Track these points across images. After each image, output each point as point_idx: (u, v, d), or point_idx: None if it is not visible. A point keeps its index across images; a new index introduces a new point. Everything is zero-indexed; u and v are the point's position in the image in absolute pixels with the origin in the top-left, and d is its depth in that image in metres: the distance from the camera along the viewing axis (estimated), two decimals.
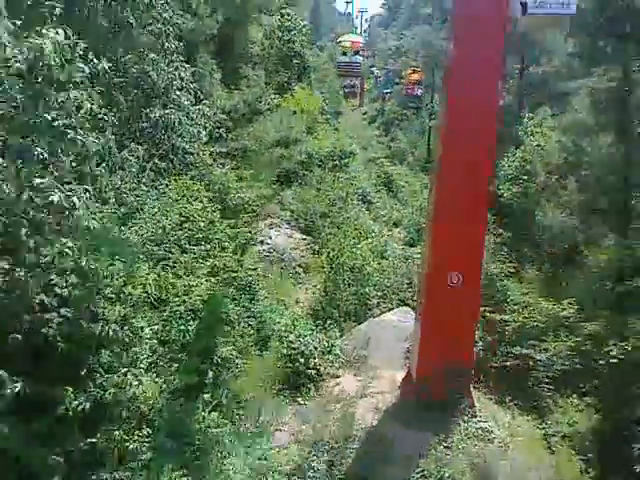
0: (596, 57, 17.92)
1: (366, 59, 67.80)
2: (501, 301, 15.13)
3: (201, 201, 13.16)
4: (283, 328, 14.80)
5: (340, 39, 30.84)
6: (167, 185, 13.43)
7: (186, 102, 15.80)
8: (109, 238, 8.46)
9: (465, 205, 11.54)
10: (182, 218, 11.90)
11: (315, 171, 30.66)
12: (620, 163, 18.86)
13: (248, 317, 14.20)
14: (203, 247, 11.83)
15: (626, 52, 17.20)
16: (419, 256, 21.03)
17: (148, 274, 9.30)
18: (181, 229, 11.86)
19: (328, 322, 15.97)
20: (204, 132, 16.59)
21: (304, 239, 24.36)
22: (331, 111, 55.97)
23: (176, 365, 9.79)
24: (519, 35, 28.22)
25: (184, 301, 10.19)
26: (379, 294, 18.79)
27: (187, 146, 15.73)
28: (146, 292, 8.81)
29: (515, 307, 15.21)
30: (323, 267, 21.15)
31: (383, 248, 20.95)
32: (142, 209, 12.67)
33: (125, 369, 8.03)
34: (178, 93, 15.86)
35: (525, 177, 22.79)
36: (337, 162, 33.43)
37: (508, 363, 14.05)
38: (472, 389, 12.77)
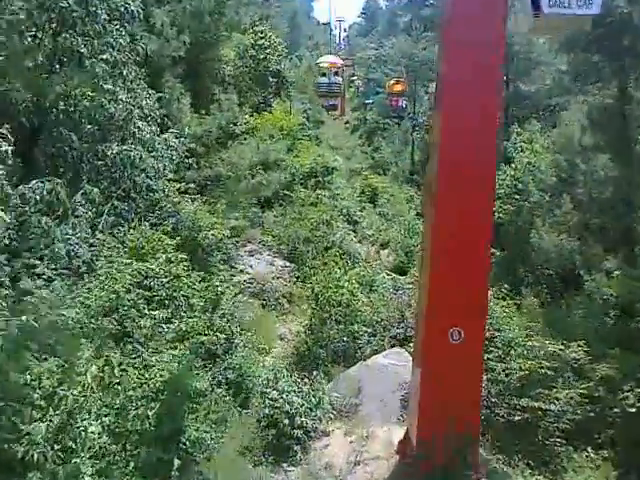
0: (590, 73, 16.44)
1: (346, 68, 66.41)
2: (504, 344, 13.54)
3: (165, 251, 11.42)
4: (265, 382, 13.15)
5: (319, 60, 29.40)
6: (126, 233, 11.65)
7: (147, 135, 14.03)
8: (42, 326, 6.71)
9: (466, 248, 9.85)
10: (141, 276, 10.16)
11: (297, 190, 29.09)
12: (620, 183, 17.48)
13: (224, 369, 12.50)
14: (166, 310, 10.09)
15: (622, 68, 15.81)
16: (410, 286, 19.45)
17: (95, 358, 7.55)
18: (141, 287, 10.12)
19: (314, 372, 14.31)
20: (170, 166, 14.85)
21: (287, 266, 22.72)
22: (313, 122, 54.51)
23: (132, 465, 8.04)
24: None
25: (142, 383, 8.44)
26: (369, 331, 17.13)
27: (151, 182, 13.98)
28: (91, 385, 7.06)
29: (519, 350, 13.61)
30: (308, 297, 19.56)
31: (371, 278, 19.29)
32: (95, 265, 10.91)
33: None
34: (140, 124, 14.09)
35: (517, 196, 21.37)
36: (320, 179, 31.86)
37: (516, 417, 12.45)
38: (479, 452, 11.15)
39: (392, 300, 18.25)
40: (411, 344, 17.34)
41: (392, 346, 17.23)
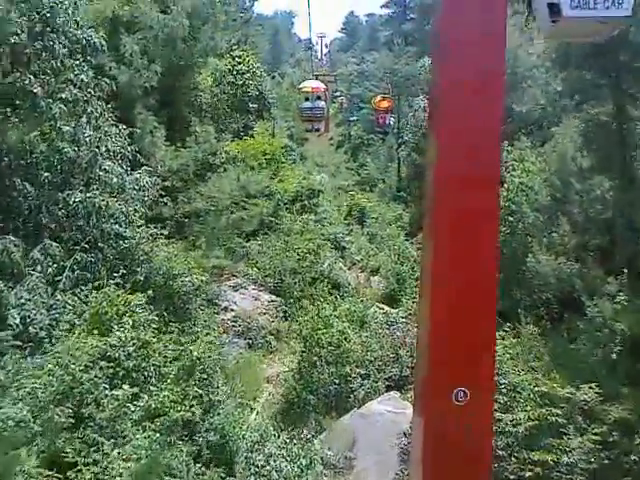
0: (585, 91, 15.37)
1: (329, 84, 65.47)
2: (509, 390, 12.37)
3: (132, 313, 10.13)
4: (250, 445, 11.87)
5: (301, 85, 28.45)
6: (89, 294, 10.35)
7: (115, 179, 12.76)
8: None
9: (468, 294, 8.57)
10: (103, 346, 8.89)
11: (283, 216, 27.89)
12: (621, 206, 16.44)
13: (206, 431, 11.18)
14: (133, 384, 8.82)
15: (618, 86, 14.78)
16: (403, 320, 18.27)
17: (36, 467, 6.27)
18: (104, 358, 8.84)
19: (304, 431, 13.08)
20: (142, 209, 13.60)
21: (273, 301, 21.44)
22: (297, 139, 53.52)
23: None
24: None
25: None
26: (362, 372, 15.91)
27: (121, 229, 12.72)
28: None
29: (525, 394, 12.44)
30: (297, 335, 18.34)
31: (362, 313, 18.06)
32: (54, 330, 9.64)
33: None
34: (107, 165, 12.86)
35: (511, 217, 20.24)
36: (305, 202, 30.73)
37: (527, 473, 11.25)
38: None
39: (385, 337, 17.06)
40: (408, 386, 16.25)
41: (387, 388, 16.05)
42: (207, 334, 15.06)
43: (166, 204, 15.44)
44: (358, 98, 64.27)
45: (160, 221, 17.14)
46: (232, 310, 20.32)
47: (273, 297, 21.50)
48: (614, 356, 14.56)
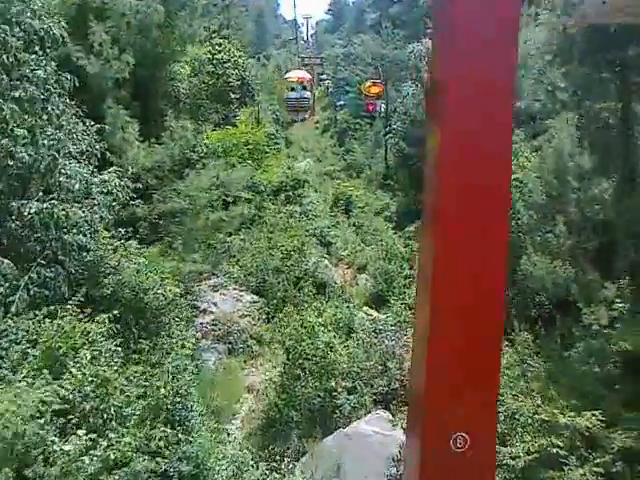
0: (589, 87, 14.19)
1: (315, 67, 63.86)
2: (507, 417, 11.39)
3: (92, 342, 8.94)
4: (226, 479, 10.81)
5: (287, 75, 27.44)
6: (42, 321, 9.09)
7: (77, 185, 11.43)
8: None
9: (473, 317, 7.43)
10: (55, 389, 7.71)
11: (266, 209, 26.71)
12: (622, 205, 15.41)
13: (178, 460, 10.08)
14: (90, 430, 7.66)
15: (624, 82, 13.63)
16: (392, 327, 17.19)
17: None
18: (53, 402, 7.65)
19: (286, 460, 12.04)
20: (109, 216, 12.31)
21: (255, 302, 20.31)
22: (282, 123, 52.16)
23: None
24: None
25: None
26: (348, 385, 14.87)
27: (85, 239, 11.44)
28: None
29: (522, 420, 11.46)
30: (280, 339, 17.29)
31: (349, 319, 16.96)
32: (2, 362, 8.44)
33: None
34: (70, 168, 11.53)
35: None
36: (290, 193, 29.56)
37: None
38: None
39: (373, 346, 15.99)
40: (396, 401, 15.25)
41: (374, 403, 15.05)
42: (182, 346, 14.00)
43: (138, 206, 14.10)
44: (344, 82, 62.56)
45: (133, 222, 15.87)
46: (211, 313, 19.21)
47: (255, 297, 20.39)
48: (613, 372, 13.66)
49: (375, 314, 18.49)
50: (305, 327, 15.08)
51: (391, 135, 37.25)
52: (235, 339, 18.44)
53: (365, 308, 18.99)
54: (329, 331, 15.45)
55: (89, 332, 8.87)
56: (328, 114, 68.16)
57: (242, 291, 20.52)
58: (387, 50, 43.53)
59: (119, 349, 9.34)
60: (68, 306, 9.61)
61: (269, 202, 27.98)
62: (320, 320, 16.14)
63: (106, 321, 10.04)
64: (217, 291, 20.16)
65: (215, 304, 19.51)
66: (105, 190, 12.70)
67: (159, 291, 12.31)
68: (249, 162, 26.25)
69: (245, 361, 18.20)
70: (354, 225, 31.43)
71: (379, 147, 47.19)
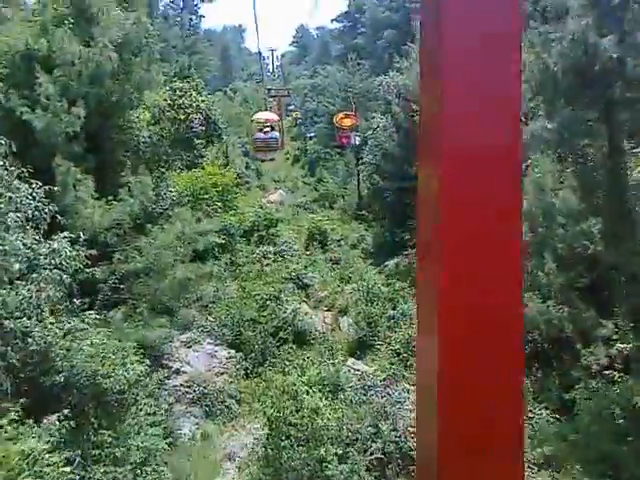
0: (575, 128, 13.18)
1: (282, 98, 63.11)
2: None
3: (35, 461, 7.38)
4: None
5: (254, 117, 26.81)
6: None
7: (17, 265, 9.92)
8: None
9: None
10: None
11: (238, 251, 25.33)
12: (616, 252, 14.42)
13: None
14: None
15: (608, 122, 12.65)
16: (380, 382, 15.80)
17: None
18: None
19: None
20: (58, 294, 10.78)
21: (232, 357, 18.78)
22: (252, 157, 51.04)
23: None
24: None
25: None
26: (339, 452, 13.37)
27: (29, 324, 9.90)
28: None
29: None
30: (259, 400, 15.79)
31: (335, 375, 15.49)
32: None
33: None
34: (8, 243, 10.02)
35: None
36: (263, 233, 28.25)
37: None
38: None
39: (363, 405, 14.55)
40: (392, 467, 13.85)
41: (368, 470, 13.57)
42: (152, 424, 12.47)
43: (93, 275, 12.59)
44: (313, 112, 61.95)
45: (93, 285, 14.35)
46: (185, 373, 17.62)
47: (232, 352, 18.85)
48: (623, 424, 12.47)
49: (362, 367, 17.06)
50: (287, 392, 13.61)
51: (364, 167, 36.21)
52: (212, 400, 16.87)
53: (351, 360, 17.55)
54: (314, 392, 13.97)
55: (31, 453, 7.27)
56: (298, 144, 67.40)
57: (217, 345, 18.98)
58: (354, 82, 42.77)
59: (67, 470, 7.72)
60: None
61: (242, 243, 26.67)
62: (304, 379, 14.73)
63: (56, 423, 8.50)
64: (190, 347, 18.58)
65: (188, 363, 17.93)
66: (54, 261, 11.15)
67: (120, 372, 10.76)
68: (218, 205, 24.89)
69: (224, 423, 16.65)
70: (331, 260, 30.12)
71: (351, 176, 46.29)
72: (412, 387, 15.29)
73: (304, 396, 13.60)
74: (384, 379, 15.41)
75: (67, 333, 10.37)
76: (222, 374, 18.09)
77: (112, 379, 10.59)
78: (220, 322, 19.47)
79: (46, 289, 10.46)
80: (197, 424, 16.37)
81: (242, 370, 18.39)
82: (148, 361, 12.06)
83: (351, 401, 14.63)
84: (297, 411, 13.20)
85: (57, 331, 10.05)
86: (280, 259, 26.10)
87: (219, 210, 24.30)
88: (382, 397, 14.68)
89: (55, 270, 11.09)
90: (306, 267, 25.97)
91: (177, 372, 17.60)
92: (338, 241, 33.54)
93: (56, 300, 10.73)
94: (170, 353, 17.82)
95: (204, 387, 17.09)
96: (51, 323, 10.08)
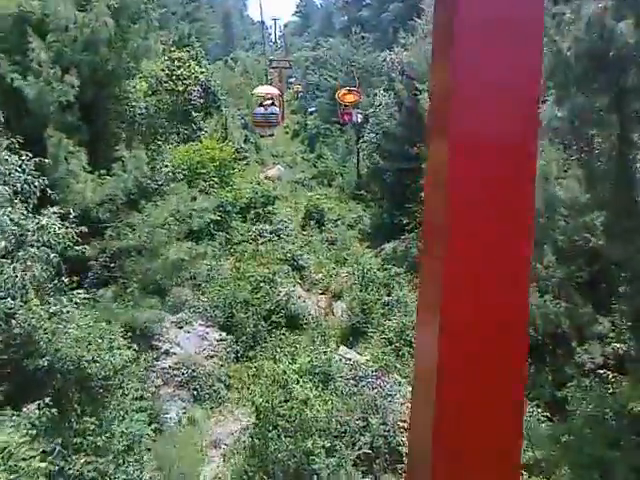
0: (585, 117, 12.66)
1: (284, 70, 61.89)
2: None
3: (10, 455, 7.03)
4: None
5: (254, 91, 26.29)
6: None
7: (3, 242, 9.46)
8: None
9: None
10: None
11: (234, 229, 24.88)
12: (618, 237, 14.03)
13: None
14: None
15: (620, 111, 12.13)
16: (372, 372, 15.50)
17: None
18: None
19: None
20: (45, 273, 10.32)
21: (223, 340, 18.45)
22: (252, 130, 50.26)
23: None
24: None
25: None
26: (327, 445, 13.11)
27: (13, 303, 9.47)
28: None
29: None
30: (248, 388, 15.57)
31: (326, 363, 15.18)
32: None
33: None
34: None
35: None
36: (260, 210, 27.73)
37: None
38: None
39: (353, 396, 14.29)
40: (379, 462, 13.64)
41: (355, 465, 13.36)
42: (138, 410, 12.19)
43: (83, 253, 12.11)
44: (315, 86, 60.82)
45: (82, 263, 13.88)
46: (174, 354, 17.28)
47: (223, 334, 18.51)
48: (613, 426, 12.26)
49: (354, 355, 16.74)
50: (277, 382, 13.31)
51: (364, 145, 35.52)
52: (201, 384, 16.57)
53: (343, 350, 17.22)
54: (305, 382, 13.68)
55: (6, 446, 6.93)
56: (298, 118, 66.37)
57: (208, 327, 18.63)
58: (357, 56, 41.76)
59: (43, 465, 7.37)
60: None
61: (238, 221, 26.18)
62: (294, 368, 14.43)
63: (36, 412, 8.15)
64: (181, 328, 18.24)
65: (179, 344, 17.59)
66: (42, 239, 10.69)
67: (106, 357, 10.38)
68: (215, 180, 24.34)
69: (212, 408, 16.38)
70: (327, 241, 29.68)
71: (351, 154, 45.57)
72: (404, 379, 15.05)
73: (294, 386, 13.31)
74: (376, 370, 15.12)
75: (53, 315, 9.95)
76: (212, 357, 17.78)
77: (98, 364, 10.23)
78: (212, 303, 19.11)
79: (32, 268, 10.01)
80: (184, 408, 16.07)
81: (233, 354, 18.08)
82: (136, 345, 11.66)
83: (342, 392, 14.35)
84: (286, 401, 12.93)
85: (42, 313, 9.62)
86: (276, 238, 25.66)
87: (216, 186, 23.73)
88: (373, 389, 14.42)
89: (43, 248, 10.64)
90: (302, 247, 25.58)
91: (167, 353, 17.26)
92: (335, 221, 33.05)
93: (42, 280, 10.27)
94: (160, 334, 17.46)
95: (193, 370, 16.76)
96: (36, 305, 9.64)
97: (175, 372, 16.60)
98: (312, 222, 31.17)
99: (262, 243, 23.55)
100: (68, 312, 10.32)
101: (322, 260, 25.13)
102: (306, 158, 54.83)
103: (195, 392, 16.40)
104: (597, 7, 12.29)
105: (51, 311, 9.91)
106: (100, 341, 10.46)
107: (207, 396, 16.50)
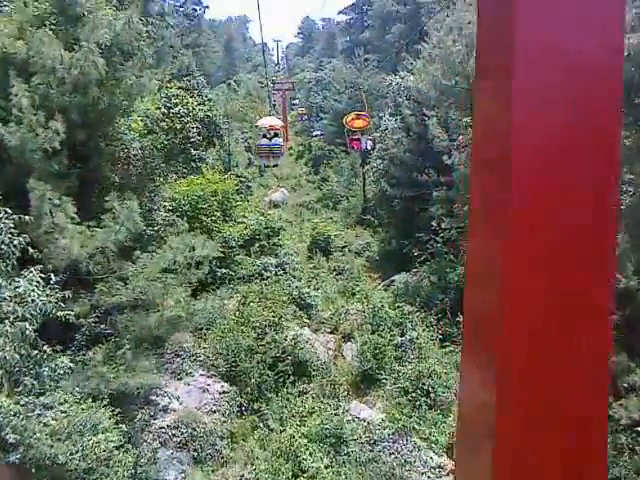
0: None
1: (287, 92, 61.06)
2: None
3: None
4: None
5: (258, 123, 25.65)
6: None
7: None
8: None
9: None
10: None
11: (237, 263, 23.61)
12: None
13: None
14: None
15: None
16: (390, 437, 14.02)
17: None
18: None
19: None
20: (17, 356, 9.02)
21: (225, 392, 17.02)
22: (255, 154, 49.32)
23: None
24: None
25: None
26: None
27: None
28: None
29: None
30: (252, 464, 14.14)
31: (339, 426, 13.72)
32: None
33: None
34: None
35: None
36: (264, 242, 26.47)
37: None
38: None
39: (368, 464, 12.83)
40: None
41: None
42: None
43: (68, 318, 10.82)
44: (318, 107, 59.90)
45: (66, 325, 12.55)
46: (173, 411, 15.83)
47: (226, 386, 17.08)
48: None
49: (367, 413, 15.22)
50: (285, 453, 11.91)
51: (371, 171, 34.29)
52: (201, 444, 15.13)
53: (355, 405, 15.73)
54: (315, 451, 12.25)
55: None
56: (302, 140, 65.46)
57: (210, 377, 17.21)
58: (361, 79, 40.69)
59: None
60: None
61: (241, 254, 24.90)
62: (303, 431, 13.04)
63: None
64: (180, 379, 16.85)
65: (178, 398, 16.16)
66: (18, 311, 9.42)
67: (89, 445, 9.04)
68: (218, 214, 23.14)
69: (213, 471, 14.94)
70: (334, 270, 28.34)
71: (356, 177, 44.35)
72: (424, 443, 13.57)
73: (303, 457, 11.91)
74: (393, 432, 13.67)
75: (24, 405, 8.60)
76: (214, 412, 16.33)
77: (79, 454, 8.86)
78: (215, 351, 17.74)
79: (5, 347, 8.71)
80: (183, 472, 14.67)
81: (236, 407, 16.65)
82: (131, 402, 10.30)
83: (355, 460, 12.89)
84: (295, 478, 11.52)
85: (12, 407, 8.29)
86: (281, 272, 24.34)
87: (218, 221, 22.49)
88: (390, 454, 12.97)
89: (17, 323, 9.36)
90: (309, 281, 24.27)
91: (164, 410, 15.84)
92: (342, 248, 31.79)
93: (15, 362, 8.95)
94: (158, 387, 16.11)
95: (193, 429, 15.33)
96: (4, 400, 8.31)
97: (174, 432, 15.19)
98: (318, 251, 29.91)
99: (267, 281, 22.17)
100: (43, 405, 8.95)
101: (330, 295, 23.78)
102: (311, 180, 53.81)
103: (195, 453, 14.98)
104: None
105: (22, 403, 8.56)
106: (82, 428, 9.11)
107: (208, 457, 15.07)
